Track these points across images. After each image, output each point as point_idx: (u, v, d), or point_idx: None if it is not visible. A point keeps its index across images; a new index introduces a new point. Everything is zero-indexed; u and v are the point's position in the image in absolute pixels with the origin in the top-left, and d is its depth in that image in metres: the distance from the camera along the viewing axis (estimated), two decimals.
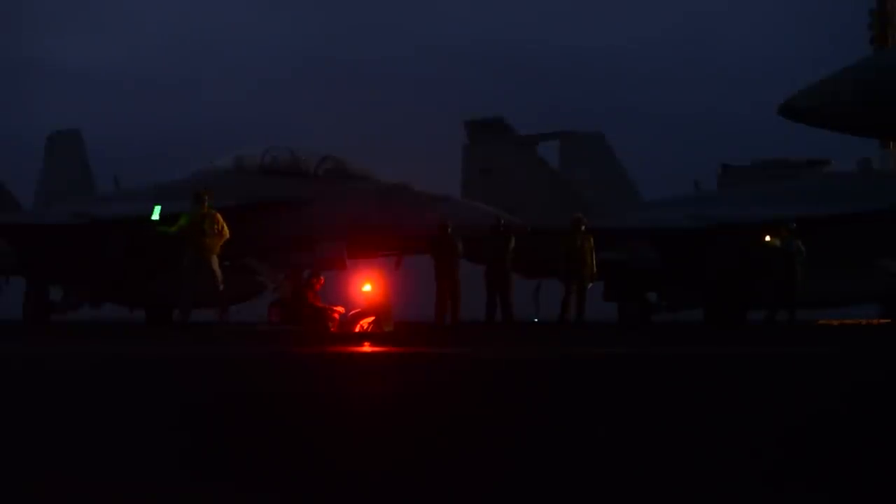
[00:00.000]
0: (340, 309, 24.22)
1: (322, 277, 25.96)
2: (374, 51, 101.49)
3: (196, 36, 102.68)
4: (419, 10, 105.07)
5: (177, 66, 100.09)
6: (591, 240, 25.04)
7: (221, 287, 21.30)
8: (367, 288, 22.97)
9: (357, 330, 22.33)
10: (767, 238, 26.29)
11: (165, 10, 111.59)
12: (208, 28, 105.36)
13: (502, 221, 25.61)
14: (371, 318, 22.70)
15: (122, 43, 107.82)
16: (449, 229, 24.71)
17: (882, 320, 31.47)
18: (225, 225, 21.40)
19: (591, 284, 25.26)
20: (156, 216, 22.13)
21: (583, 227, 25.01)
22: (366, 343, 14.73)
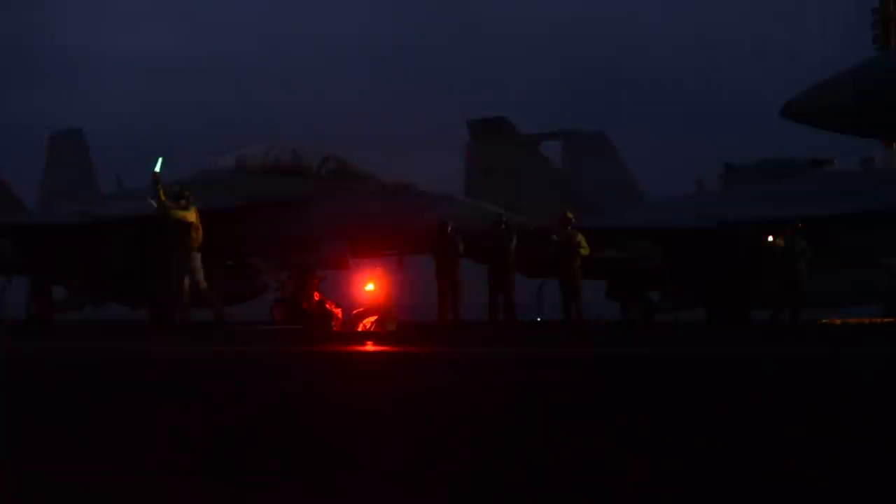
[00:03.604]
0: (343, 307, 24.24)
1: (325, 276, 25.96)
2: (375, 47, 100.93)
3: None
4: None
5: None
6: (580, 235, 24.85)
7: (204, 284, 21.24)
8: (370, 287, 22.98)
9: (360, 329, 22.33)
10: (771, 238, 26.22)
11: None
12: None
13: (504, 220, 25.57)
14: (374, 318, 22.70)
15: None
16: (449, 228, 24.68)
17: (885, 319, 31.41)
18: (198, 216, 21.36)
19: (580, 279, 24.83)
20: (158, 168, 21.86)
21: (570, 224, 24.89)
22: (368, 342, 14.73)
